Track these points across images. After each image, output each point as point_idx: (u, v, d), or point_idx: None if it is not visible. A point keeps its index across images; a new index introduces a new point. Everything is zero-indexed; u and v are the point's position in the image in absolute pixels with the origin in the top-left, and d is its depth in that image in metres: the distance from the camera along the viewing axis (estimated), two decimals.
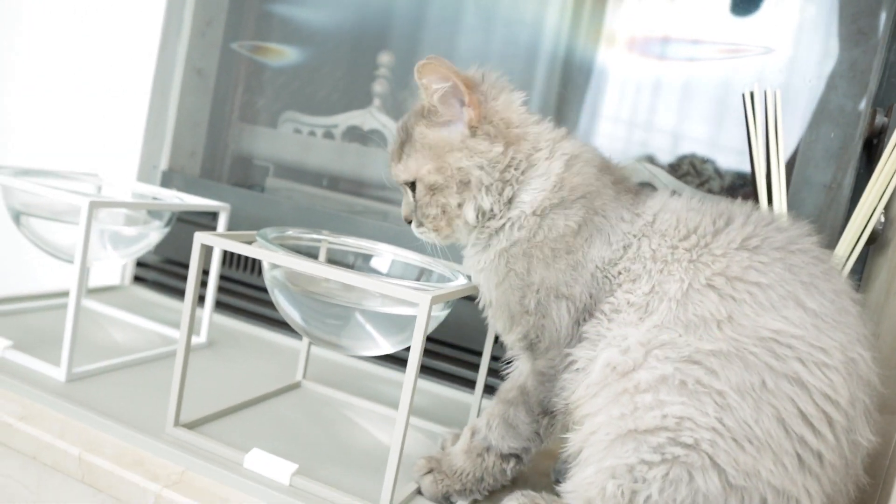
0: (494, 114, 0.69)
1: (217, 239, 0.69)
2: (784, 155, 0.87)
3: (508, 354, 0.72)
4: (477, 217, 0.70)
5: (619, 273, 0.65)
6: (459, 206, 0.70)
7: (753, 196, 0.88)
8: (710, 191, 1.00)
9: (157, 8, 1.23)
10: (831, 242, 0.84)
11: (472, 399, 0.87)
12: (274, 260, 0.66)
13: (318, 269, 0.64)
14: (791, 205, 0.88)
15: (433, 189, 0.70)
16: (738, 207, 0.65)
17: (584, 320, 0.65)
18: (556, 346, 0.66)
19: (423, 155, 0.70)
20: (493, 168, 0.68)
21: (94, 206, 0.77)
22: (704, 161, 1.00)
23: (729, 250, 0.60)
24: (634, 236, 0.65)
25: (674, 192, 0.69)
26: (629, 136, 1.04)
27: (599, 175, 0.69)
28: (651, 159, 1.02)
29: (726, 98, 0.96)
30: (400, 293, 0.61)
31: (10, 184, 0.82)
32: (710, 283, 0.59)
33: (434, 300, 0.60)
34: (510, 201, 0.69)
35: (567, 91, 1.06)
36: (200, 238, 0.68)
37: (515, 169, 0.69)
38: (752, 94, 0.89)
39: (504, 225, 0.69)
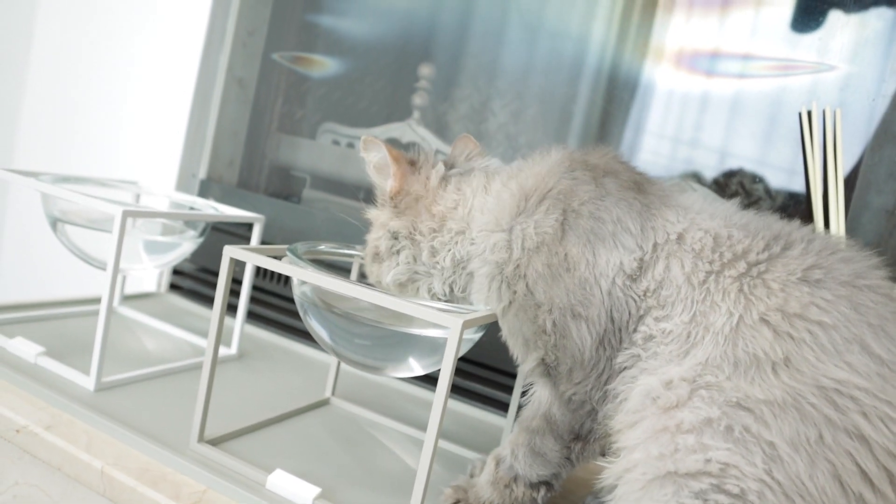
0: (413, 187, 0.71)
1: (246, 253, 0.67)
2: (842, 177, 0.82)
3: (527, 382, 0.68)
4: (400, 285, 0.72)
5: (645, 294, 0.59)
6: (378, 277, 0.73)
7: (808, 219, 0.84)
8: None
9: (201, 17, 1.24)
10: (892, 272, 0.79)
11: (504, 422, 0.84)
12: (301, 276, 0.65)
13: (346, 287, 0.62)
14: (849, 230, 0.83)
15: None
16: (797, 231, 0.59)
17: (611, 346, 0.61)
18: (579, 369, 0.61)
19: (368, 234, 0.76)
20: (400, 236, 0.71)
21: (128, 215, 0.77)
22: (756, 180, 0.95)
23: (788, 283, 0.55)
24: (654, 253, 0.60)
25: (702, 199, 0.64)
26: (674, 153, 1.00)
27: (569, 172, 0.63)
28: (697, 177, 0.98)
29: (777, 116, 0.92)
30: (431, 316, 0.58)
31: (46, 190, 0.82)
32: (764, 319, 0.54)
33: (466, 324, 0.58)
34: (460, 253, 0.69)
35: (612, 106, 1.03)
36: (230, 252, 0.67)
37: (448, 232, 0.70)
38: (808, 113, 0.85)
39: (465, 256, 0.69)
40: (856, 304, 0.53)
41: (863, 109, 0.85)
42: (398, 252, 0.71)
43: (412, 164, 0.73)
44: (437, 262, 0.70)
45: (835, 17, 0.88)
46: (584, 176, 0.63)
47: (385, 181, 0.73)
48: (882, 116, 0.84)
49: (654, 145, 1.01)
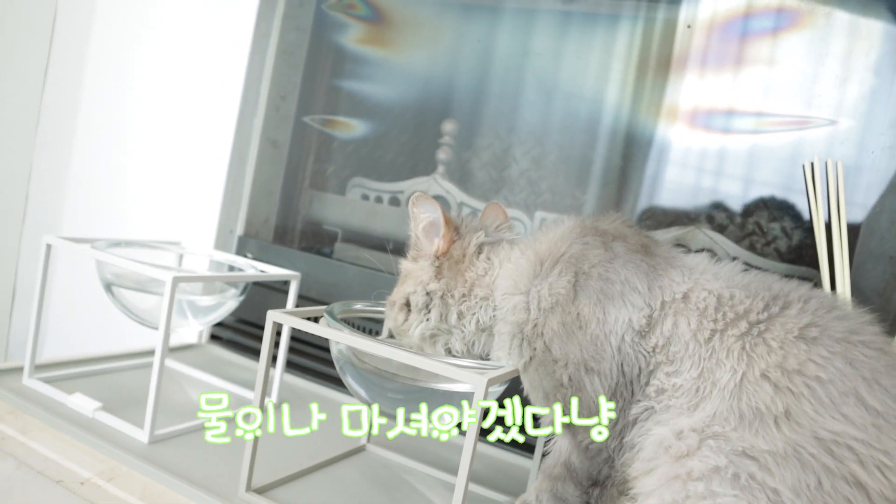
0: (455, 251, 0.76)
1: (288, 317, 0.73)
2: (846, 226, 0.86)
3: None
4: (423, 338, 0.76)
5: (654, 350, 0.64)
6: (405, 321, 0.77)
7: (815, 266, 0.88)
8: (776, 250, 0.99)
9: (236, 84, 1.32)
10: None
11: (529, 463, 0.88)
12: (337, 338, 0.70)
13: (375, 347, 0.68)
14: (855, 276, 0.87)
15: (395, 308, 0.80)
16: (795, 291, 0.64)
17: (623, 398, 0.66)
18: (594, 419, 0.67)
19: (398, 283, 0.80)
20: (435, 296, 0.76)
21: (178, 280, 0.83)
22: (774, 218, 0.99)
23: (786, 341, 0.59)
24: (661, 310, 0.65)
25: (707, 260, 0.69)
26: (691, 210, 1.04)
27: (580, 237, 0.69)
28: (715, 224, 1.02)
29: (791, 170, 0.96)
30: (456, 374, 0.64)
31: (101, 258, 0.90)
32: (765, 375, 0.58)
33: (490, 382, 0.63)
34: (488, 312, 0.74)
35: (627, 164, 1.08)
36: (273, 316, 0.73)
37: (475, 297, 0.75)
38: (812, 165, 0.89)
39: (488, 321, 0.74)
40: (850, 359, 0.58)
41: (866, 161, 0.90)
42: (429, 309, 0.76)
43: (457, 229, 0.78)
44: (463, 325, 0.75)
45: (838, 73, 0.93)
46: (595, 241, 0.69)
47: (430, 239, 0.77)
48: (885, 167, 0.89)
49: (674, 191, 1.06)
